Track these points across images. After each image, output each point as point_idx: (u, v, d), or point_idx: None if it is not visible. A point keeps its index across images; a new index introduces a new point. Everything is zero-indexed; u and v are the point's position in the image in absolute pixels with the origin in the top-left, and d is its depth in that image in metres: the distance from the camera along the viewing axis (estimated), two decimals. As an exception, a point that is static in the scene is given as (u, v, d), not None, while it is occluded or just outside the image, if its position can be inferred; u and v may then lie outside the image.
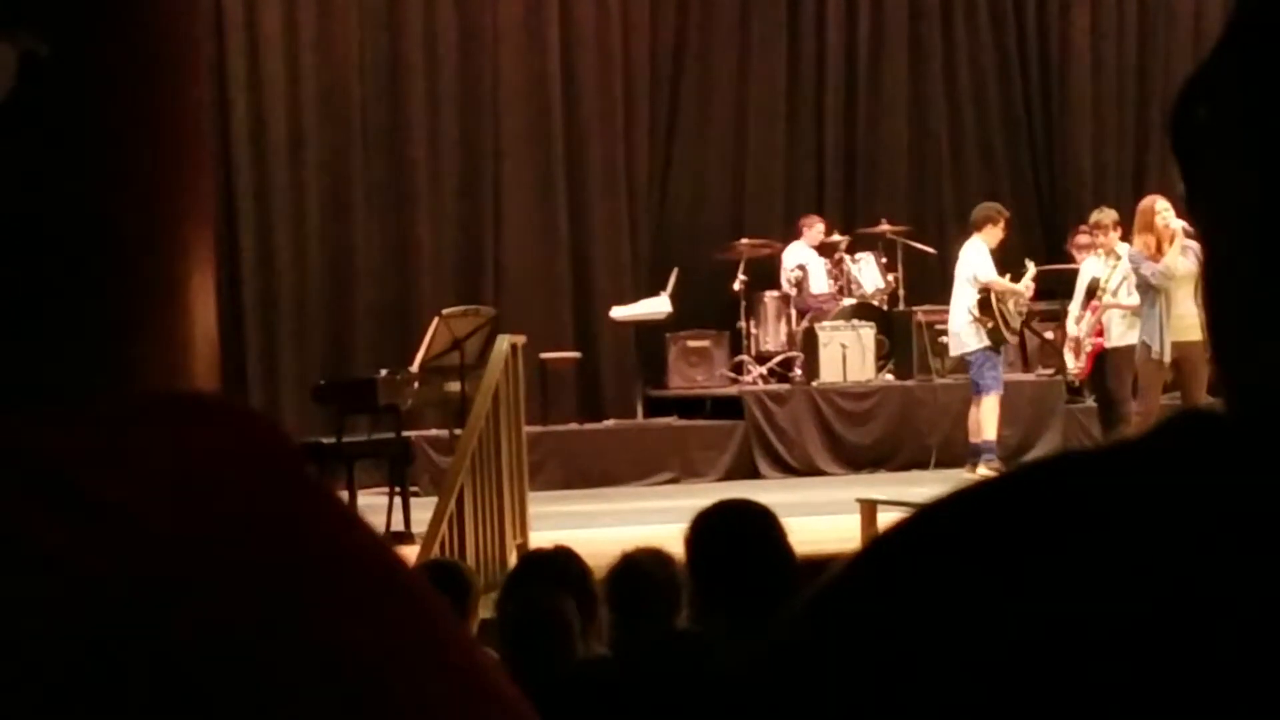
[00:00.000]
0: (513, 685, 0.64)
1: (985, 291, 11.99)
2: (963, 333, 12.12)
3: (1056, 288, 12.69)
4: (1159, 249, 10.55)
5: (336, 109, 13.76)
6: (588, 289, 14.32)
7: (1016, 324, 12.32)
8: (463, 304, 11.72)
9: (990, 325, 11.93)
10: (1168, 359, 10.49)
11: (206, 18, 12.01)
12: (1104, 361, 11.44)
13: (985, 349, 11.97)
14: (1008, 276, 12.23)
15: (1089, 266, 11.88)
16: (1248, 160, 0.67)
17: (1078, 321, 11.74)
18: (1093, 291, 11.57)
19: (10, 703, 0.53)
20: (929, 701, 0.64)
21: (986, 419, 12.01)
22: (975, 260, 12.15)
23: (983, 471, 11.71)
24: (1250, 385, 0.68)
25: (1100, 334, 11.49)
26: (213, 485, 0.59)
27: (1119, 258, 11.31)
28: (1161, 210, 10.55)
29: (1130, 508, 0.65)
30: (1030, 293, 12.54)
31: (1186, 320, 10.35)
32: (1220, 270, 0.70)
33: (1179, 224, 10.37)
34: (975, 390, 12.05)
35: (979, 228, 12.24)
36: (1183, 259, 10.33)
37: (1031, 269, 12.52)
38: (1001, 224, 12.21)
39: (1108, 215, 11.67)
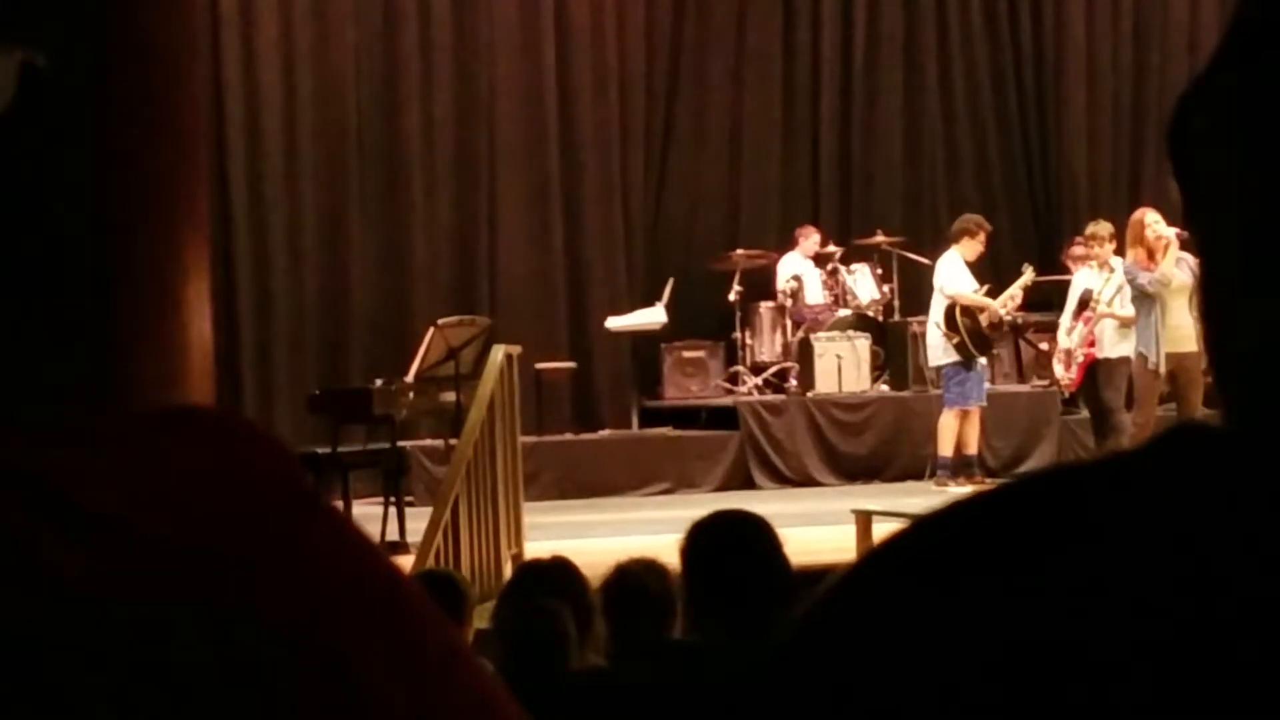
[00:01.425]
0: (509, 696, 0.64)
1: (951, 305, 11.99)
2: (935, 345, 12.16)
3: (1052, 299, 12.69)
4: (1150, 259, 10.59)
5: (332, 118, 13.76)
6: (583, 299, 14.33)
7: (992, 338, 12.26)
8: (458, 314, 11.71)
9: (955, 340, 11.93)
10: (1163, 369, 10.51)
11: (202, 26, 12.01)
12: (1095, 372, 11.45)
13: (953, 363, 11.96)
14: (983, 290, 12.19)
15: (1082, 278, 11.89)
16: (1245, 171, 0.67)
17: (1068, 333, 11.74)
18: (1085, 302, 11.58)
19: (12, 714, 0.53)
20: (926, 709, 0.64)
21: (942, 432, 12.01)
22: (945, 272, 12.17)
23: (932, 486, 11.76)
24: (1247, 397, 0.68)
25: (1092, 345, 11.49)
26: (211, 498, 0.59)
27: (1113, 270, 11.32)
28: (1151, 222, 10.62)
29: (1126, 522, 0.65)
30: (1017, 303, 12.53)
31: (1182, 331, 10.38)
32: (1217, 281, 0.70)
33: (1170, 231, 10.41)
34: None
35: (956, 240, 12.24)
36: (1178, 271, 10.36)
37: (1028, 273, 12.51)
38: (980, 236, 12.19)
39: (1103, 228, 11.69)
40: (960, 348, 11.90)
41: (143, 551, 0.56)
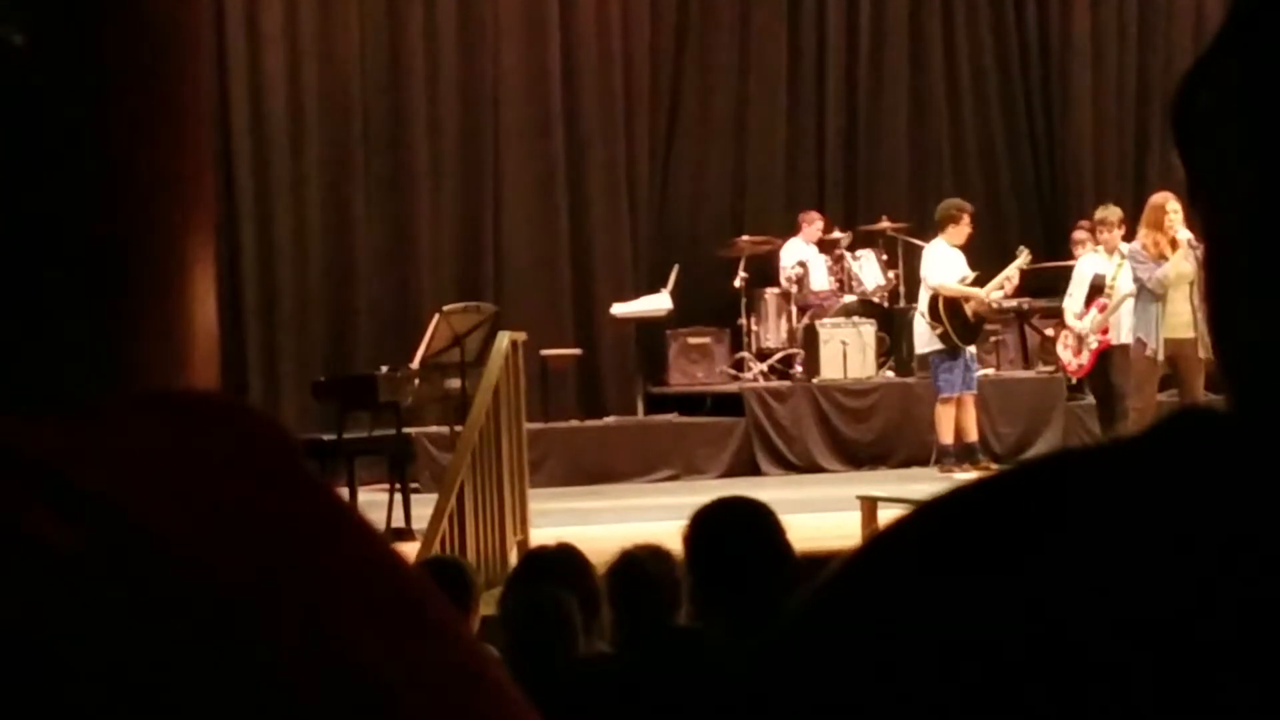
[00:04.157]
0: (514, 684, 0.64)
1: (935, 296, 11.96)
2: (920, 334, 12.15)
3: (1058, 284, 12.66)
4: (1171, 246, 10.49)
5: (337, 105, 13.76)
6: (588, 286, 14.32)
7: (979, 326, 12.19)
8: (463, 300, 11.72)
9: (940, 331, 11.91)
10: (1161, 356, 10.51)
11: (207, 12, 11.99)
12: (1107, 358, 11.42)
13: (938, 351, 11.94)
14: (970, 279, 12.12)
15: (1088, 263, 11.86)
16: (1249, 148, 0.67)
17: (1079, 318, 11.71)
18: (1098, 288, 11.54)
19: (9, 702, 0.53)
20: (927, 699, 0.64)
21: (940, 421, 12.00)
22: (928, 263, 12.16)
23: (937, 473, 11.76)
24: (1252, 380, 0.68)
25: (1106, 331, 11.46)
26: (214, 483, 0.59)
27: (1123, 256, 11.28)
28: (1171, 212, 10.47)
29: (1131, 508, 0.65)
30: (1014, 284, 12.48)
31: (1181, 318, 10.37)
32: (1221, 260, 0.70)
33: (1186, 234, 10.31)
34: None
35: (942, 227, 12.19)
36: (1184, 262, 10.32)
37: (1024, 256, 12.47)
38: (965, 220, 12.13)
39: (1113, 213, 11.63)
40: (944, 338, 11.89)
41: (142, 535, 0.56)
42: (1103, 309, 11.47)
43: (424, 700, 0.59)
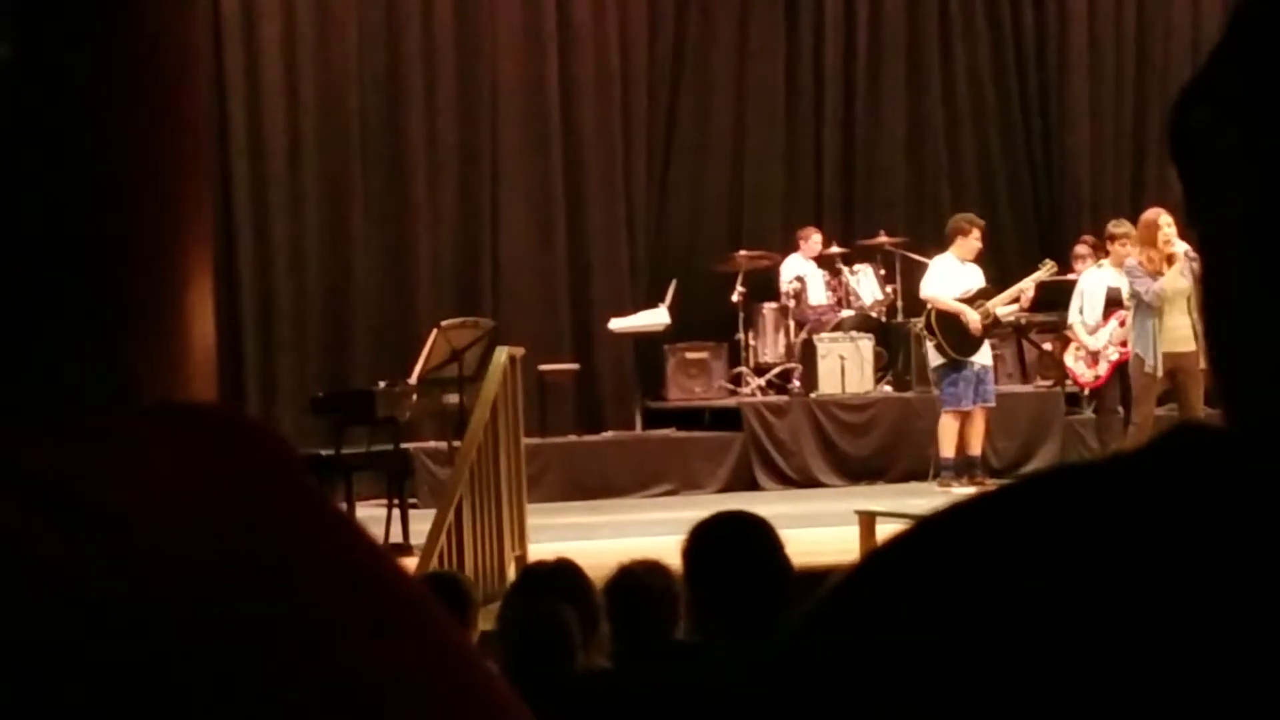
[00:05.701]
0: (515, 695, 0.64)
1: (930, 309, 11.98)
2: (930, 347, 12.16)
3: (1056, 298, 12.67)
4: (1166, 262, 10.51)
5: (335, 119, 13.76)
6: (586, 300, 14.33)
7: (978, 339, 12.15)
8: (461, 315, 11.71)
9: (934, 343, 11.93)
10: (1160, 372, 10.51)
11: (205, 26, 12.02)
12: (1124, 370, 11.40)
13: (943, 365, 11.96)
14: (971, 291, 12.11)
15: (1094, 277, 11.86)
16: (1247, 164, 0.67)
17: (1092, 332, 11.70)
18: (1115, 301, 11.53)
19: (12, 714, 0.53)
20: (928, 712, 0.64)
21: (942, 434, 12.00)
22: (930, 274, 12.18)
23: (935, 487, 11.75)
24: (1248, 396, 0.68)
25: (1124, 344, 11.45)
26: (214, 495, 0.59)
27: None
28: (1165, 227, 10.51)
29: (1128, 524, 0.65)
30: (1028, 300, 12.49)
31: (1180, 331, 10.38)
32: (1218, 276, 0.70)
33: (1182, 247, 10.32)
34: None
35: (950, 240, 12.22)
36: (1180, 278, 10.33)
37: (1046, 268, 12.46)
38: (974, 233, 12.13)
39: (1126, 228, 11.63)
40: (940, 349, 11.91)
41: (146, 550, 0.56)
42: (1123, 322, 11.46)
43: (423, 709, 0.59)
